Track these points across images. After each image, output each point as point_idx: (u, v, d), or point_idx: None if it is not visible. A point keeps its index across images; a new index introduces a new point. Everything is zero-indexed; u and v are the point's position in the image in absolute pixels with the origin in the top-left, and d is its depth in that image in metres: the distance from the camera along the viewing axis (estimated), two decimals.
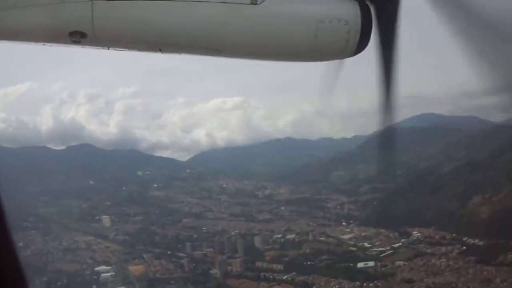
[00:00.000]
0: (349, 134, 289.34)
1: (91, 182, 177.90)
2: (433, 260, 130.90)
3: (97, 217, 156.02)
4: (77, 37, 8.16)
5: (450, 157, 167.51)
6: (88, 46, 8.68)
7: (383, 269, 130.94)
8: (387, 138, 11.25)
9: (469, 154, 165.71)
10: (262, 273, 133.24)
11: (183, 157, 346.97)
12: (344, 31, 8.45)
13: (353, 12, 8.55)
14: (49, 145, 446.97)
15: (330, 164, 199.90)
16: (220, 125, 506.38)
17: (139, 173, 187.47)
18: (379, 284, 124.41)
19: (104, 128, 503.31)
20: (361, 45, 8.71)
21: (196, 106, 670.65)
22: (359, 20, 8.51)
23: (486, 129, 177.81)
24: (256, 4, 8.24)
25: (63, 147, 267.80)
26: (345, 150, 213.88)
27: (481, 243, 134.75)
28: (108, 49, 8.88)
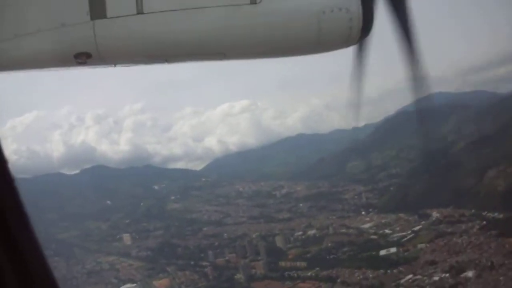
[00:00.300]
0: (360, 123, 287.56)
1: (108, 202, 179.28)
2: (454, 239, 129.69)
3: (117, 236, 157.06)
4: (83, 58, 8.33)
5: (461, 134, 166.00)
6: (95, 66, 8.84)
7: (405, 254, 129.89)
8: (422, 111, 11.34)
9: (479, 129, 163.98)
10: (286, 272, 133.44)
11: (198, 166, 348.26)
12: (346, 19, 8.50)
13: (353, 0, 8.60)
14: (62, 171, 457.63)
15: (343, 156, 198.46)
16: (230, 130, 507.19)
17: (155, 187, 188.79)
18: (402, 269, 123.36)
19: (115, 147, 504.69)
20: (365, 31, 8.81)
21: (204, 114, 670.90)
22: (360, 7, 8.56)
23: (494, 102, 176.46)
24: (255, 3, 8.30)
25: (77, 171, 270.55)
26: (357, 140, 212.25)
27: (501, 215, 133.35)
28: (115, 66, 9.04)
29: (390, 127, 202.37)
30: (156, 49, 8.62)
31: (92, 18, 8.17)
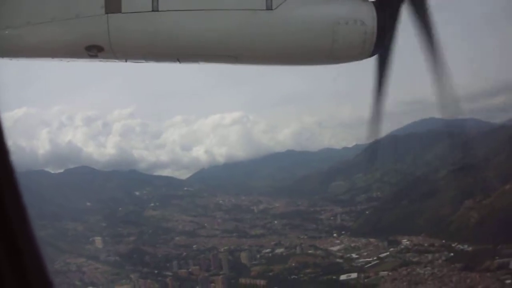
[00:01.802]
0: (351, 144, 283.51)
1: (88, 204, 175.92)
2: (418, 269, 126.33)
3: (91, 239, 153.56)
4: (94, 51, 8.10)
5: (445, 161, 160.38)
6: (106, 60, 8.61)
7: (365, 280, 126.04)
8: (373, 149, 11.16)
9: (465, 158, 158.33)
10: None
11: (184, 175, 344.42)
12: (361, 32, 8.32)
13: (369, 13, 8.45)
14: (47, 169, 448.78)
15: (328, 175, 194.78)
16: (219, 141, 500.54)
17: (137, 193, 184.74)
18: None
19: (102, 149, 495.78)
20: (378, 46, 8.59)
21: (194, 124, 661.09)
22: (375, 21, 8.38)
23: (484, 131, 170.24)
24: (271, 9, 8.10)
25: (61, 170, 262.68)
26: (344, 160, 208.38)
27: (470, 248, 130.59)
28: (126, 61, 8.79)
29: (379, 150, 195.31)
30: (169, 47, 8.44)
31: (107, 12, 7.97)
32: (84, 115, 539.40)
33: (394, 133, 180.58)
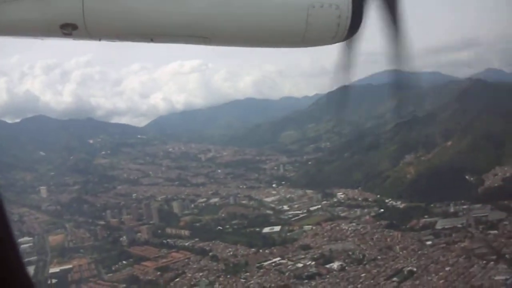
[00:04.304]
0: (312, 93, 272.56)
1: (42, 153, 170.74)
2: (343, 224, 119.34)
3: (37, 189, 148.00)
4: (69, 29, 7.24)
5: (397, 114, 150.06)
6: (80, 39, 7.65)
7: (288, 234, 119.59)
8: (341, 97, 9.16)
9: (415, 111, 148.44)
10: (168, 240, 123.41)
11: (141, 122, 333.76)
12: (335, 15, 7.50)
13: None
14: (3, 119, 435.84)
15: (281, 124, 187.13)
16: (178, 89, 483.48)
17: (91, 141, 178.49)
18: (275, 250, 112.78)
19: (58, 98, 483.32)
20: (352, 30, 7.69)
21: (153, 72, 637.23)
22: (349, 4, 7.53)
23: (440, 85, 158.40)
24: None
25: (18, 120, 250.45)
26: (298, 110, 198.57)
27: (402, 205, 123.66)
28: (100, 40, 7.91)
29: (335, 100, 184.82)
30: (142, 27, 7.53)
31: None
32: (43, 63, 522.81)
33: (356, 83, 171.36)
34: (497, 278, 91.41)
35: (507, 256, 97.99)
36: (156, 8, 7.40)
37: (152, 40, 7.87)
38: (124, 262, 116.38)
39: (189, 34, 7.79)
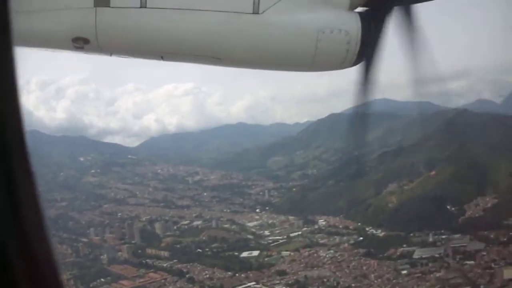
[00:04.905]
0: (303, 119, 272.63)
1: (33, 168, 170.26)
2: (321, 251, 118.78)
3: None
4: (80, 43, 7.63)
5: (383, 143, 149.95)
6: (91, 53, 8.11)
7: (265, 259, 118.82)
8: (359, 118, 10.01)
9: (402, 141, 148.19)
10: (147, 260, 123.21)
11: (134, 143, 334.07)
12: (345, 41, 7.90)
13: (353, 23, 8.03)
14: None
15: (269, 150, 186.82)
16: (170, 111, 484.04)
17: (81, 159, 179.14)
18: (251, 275, 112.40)
19: (52, 114, 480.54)
20: (360, 55, 8.12)
21: (147, 93, 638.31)
22: (359, 31, 7.96)
23: (429, 114, 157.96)
24: (258, 13, 7.68)
25: None
26: (288, 136, 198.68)
27: (382, 234, 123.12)
28: (111, 55, 8.32)
29: (325, 127, 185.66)
30: (153, 45, 7.90)
31: (96, 5, 7.46)
32: (39, 79, 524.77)
33: (343, 112, 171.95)
34: None
35: (482, 286, 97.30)
36: (168, 26, 7.63)
37: (162, 58, 8.25)
38: (102, 279, 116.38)
39: (201, 54, 8.08)
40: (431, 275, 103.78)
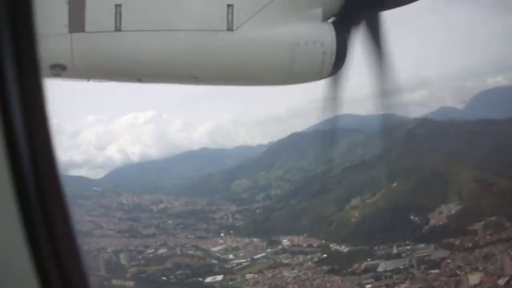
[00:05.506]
0: (265, 141, 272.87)
1: None
2: (285, 271, 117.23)
3: None
4: (58, 70, 7.59)
5: (346, 159, 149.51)
6: (69, 79, 8.12)
7: (230, 283, 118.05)
8: (329, 131, 10.43)
9: (364, 155, 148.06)
10: None
11: (99, 174, 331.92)
12: (320, 52, 7.99)
13: (327, 33, 8.14)
14: None
15: (233, 173, 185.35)
16: (132, 141, 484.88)
17: None
18: None
19: None
20: (336, 66, 8.30)
21: (109, 124, 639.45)
22: (334, 41, 8.07)
23: (392, 126, 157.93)
24: (232, 30, 7.72)
25: None
26: (251, 158, 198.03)
27: (345, 249, 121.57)
28: (88, 81, 8.42)
29: (286, 147, 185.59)
30: (131, 67, 7.95)
31: (70, 31, 7.50)
32: None
33: (304, 130, 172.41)
34: None
35: None
36: (144, 48, 7.68)
37: (140, 80, 8.28)
38: None
39: (178, 74, 8.16)
40: (396, 287, 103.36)
